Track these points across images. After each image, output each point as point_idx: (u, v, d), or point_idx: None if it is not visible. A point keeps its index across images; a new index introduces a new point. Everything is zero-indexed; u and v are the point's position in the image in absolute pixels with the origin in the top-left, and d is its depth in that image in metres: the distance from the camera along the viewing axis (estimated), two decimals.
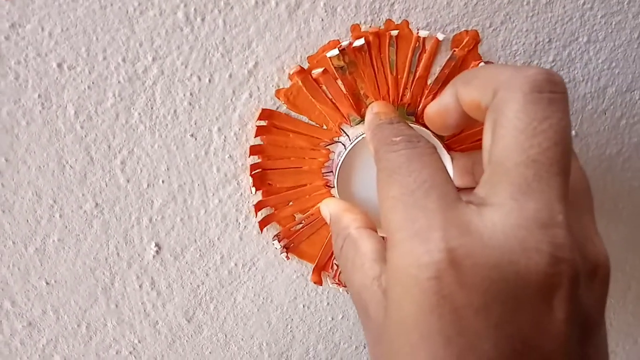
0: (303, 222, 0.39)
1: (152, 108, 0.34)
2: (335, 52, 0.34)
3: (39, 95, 0.32)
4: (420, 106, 0.37)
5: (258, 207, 0.38)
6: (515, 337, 0.21)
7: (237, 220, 0.38)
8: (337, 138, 0.37)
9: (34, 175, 0.34)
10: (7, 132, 0.32)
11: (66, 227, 0.35)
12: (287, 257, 0.39)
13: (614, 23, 0.40)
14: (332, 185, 0.37)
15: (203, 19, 0.32)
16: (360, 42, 0.34)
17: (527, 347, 0.21)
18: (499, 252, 0.21)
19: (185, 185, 0.36)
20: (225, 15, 0.33)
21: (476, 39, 0.37)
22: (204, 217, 0.37)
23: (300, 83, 0.35)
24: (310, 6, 0.34)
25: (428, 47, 0.36)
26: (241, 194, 0.37)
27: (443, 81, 0.36)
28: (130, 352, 0.40)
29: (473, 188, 0.25)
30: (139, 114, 0.34)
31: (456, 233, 0.22)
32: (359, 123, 0.36)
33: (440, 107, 0.30)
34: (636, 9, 0.41)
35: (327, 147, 0.37)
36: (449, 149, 0.35)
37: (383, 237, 0.29)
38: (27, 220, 0.35)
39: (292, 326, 0.42)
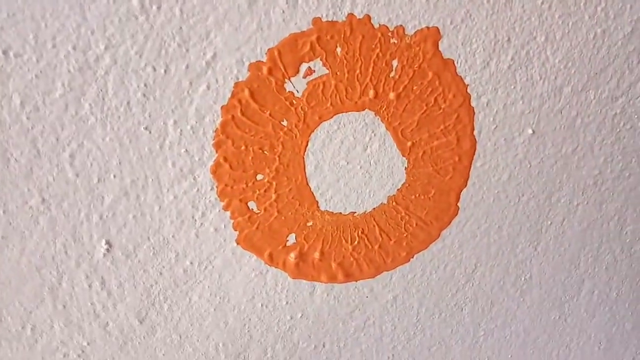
0: None
1: (103, 99, 0.32)
2: None
3: None
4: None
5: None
6: None
7: (193, 217, 0.37)
8: None
9: None
10: None
11: (10, 223, 0.33)
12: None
13: (570, 23, 0.41)
14: None
15: (159, 7, 0.31)
16: None
17: None
18: None
19: (138, 180, 0.35)
20: (182, 3, 0.31)
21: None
22: (157, 213, 0.36)
23: None
24: None
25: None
26: (197, 189, 0.36)
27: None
28: (79, 355, 0.38)
29: None
30: (90, 105, 0.32)
31: None
32: None
33: None
34: (592, 10, 0.41)
35: None
36: None
37: None
38: None
39: (250, 326, 0.41)
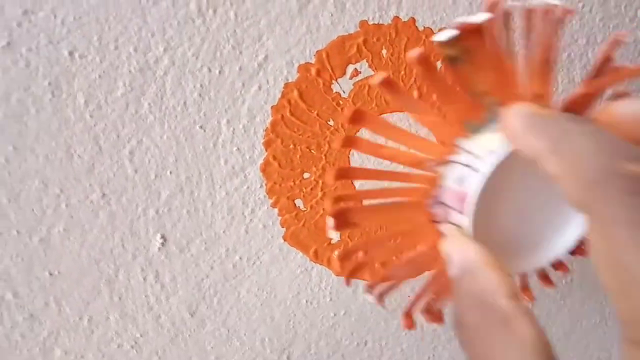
0: (402, 269, 0.30)
1: (162, 99, 0.34)
2: (449, 34, 0.23)
3: (50, 83, 0.32)
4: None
5: (343, 258, 0.30)
6: None
7: (243, 214, 0.38)
8: (452, 156, 0.27)
9: (41, 164, 0.34)
10: (16, 120, 0.32)
11: (72, 217, 0.35)
12: (382, 305, 0.33)
13: (611, 26, 0.41)
14: (441, 222, 0.28)
15: (215, 11, 0.33)
16: (482, 17, 0.24)
17: None
18: None
19: (192, 177, 0.36)
20: (237, 7, 0.33)
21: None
22: (210, 209, 0.37)
23: (421, 72, 0.25)
24: (320, 1, 0.34)
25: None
26: (248, 186, 0.37)
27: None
28: (132, 346, 0.40)
29: None
30: (149, 104, 0.34)
31: None
32: (476, 132, 0.27)
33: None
34: (632, 13, 0.42)
35: (435, 168, 0.28)
36: None
37: None
38: (33, 210, 0.34)
39: (295, 322, 0.42)
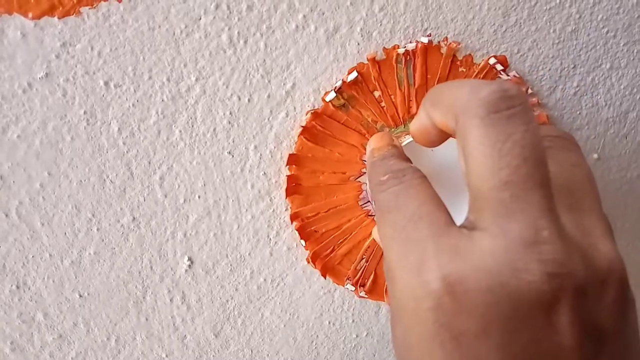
0: (364, 257, 0.40)
1: (192, 126, 0.35)
2: (332, 94, 0.36)
3: (85, 112, 0.33)
4: None
5: (313, 259, 0.39)
6: (519, 357, 0.21)
7: (268, 236, 0.39)
8: (363, 169, 0.38)
9: (74, 189, 0.34)
10: (51, 147, 0.33)
11: (103, 240, 0.36)
12: (367, 296, 0.41)
13: (635, 51, 0.41)
14: (373, 214, 0.39)
15: (246, 42, 0.33)
16: (353, 75, 0.36)
17: None
18: (490, 276, 0.21)
19: (220, 201, 0.37)
20: (266, 38, 0.34)
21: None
22: (236, 232, 0.38)
23: (307, 141, 0.37)
24: (347, 31, 0.35)
25: (419, 56, 0.36)
26: (273, 210, 0.38)
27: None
28: None
29: None
30: (180, 131, 0.34)
31: (447, 260, 0.22)
32: None
33: (420, 126, 0.29)
34: None
35: (357, 180, 0.38)
36: None
37: None
38: (65, 234, 0.35)
39: (317, 343, 0.43)
